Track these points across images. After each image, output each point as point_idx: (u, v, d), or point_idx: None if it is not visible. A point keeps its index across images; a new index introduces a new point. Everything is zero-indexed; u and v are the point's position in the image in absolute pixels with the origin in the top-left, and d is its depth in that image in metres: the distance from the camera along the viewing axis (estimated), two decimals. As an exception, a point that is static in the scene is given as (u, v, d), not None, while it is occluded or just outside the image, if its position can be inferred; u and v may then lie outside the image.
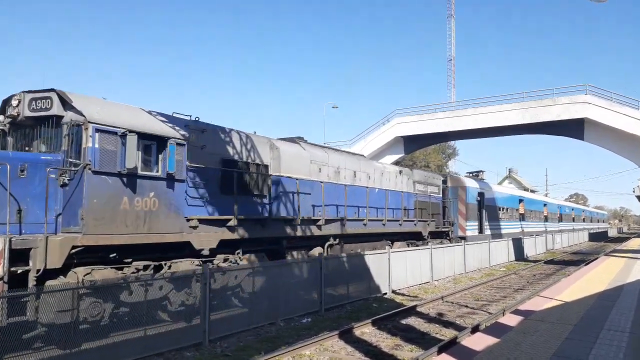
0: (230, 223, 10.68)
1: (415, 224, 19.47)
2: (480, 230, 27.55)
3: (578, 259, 29.44)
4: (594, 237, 60.31)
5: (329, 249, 14.41)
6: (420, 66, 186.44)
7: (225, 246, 10.78)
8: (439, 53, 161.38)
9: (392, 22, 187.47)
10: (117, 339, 7.73)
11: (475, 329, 9.59)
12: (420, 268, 16.96)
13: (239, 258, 11.14)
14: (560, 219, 52.50)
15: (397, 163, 32.37)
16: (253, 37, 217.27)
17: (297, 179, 12.93)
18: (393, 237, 18.39)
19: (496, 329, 8.06)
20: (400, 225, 18.29)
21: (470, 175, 33.57)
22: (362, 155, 18.07)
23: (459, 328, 10.31)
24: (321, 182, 13.91)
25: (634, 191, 55.59)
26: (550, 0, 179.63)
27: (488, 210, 29.24)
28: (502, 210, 32.62)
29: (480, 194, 27.86)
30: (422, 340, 9.27)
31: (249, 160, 11.76)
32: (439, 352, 7.67)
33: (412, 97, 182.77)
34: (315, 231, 13.66)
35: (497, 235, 28.38)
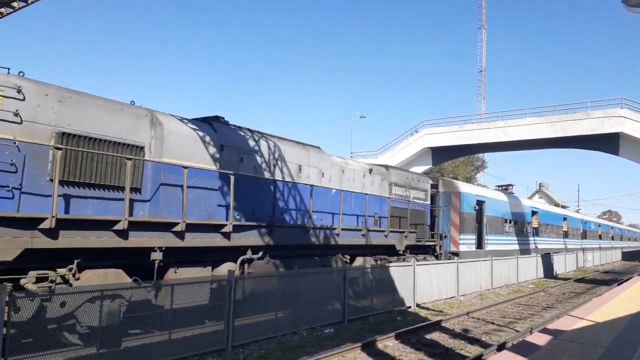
0: (46, 224, 7.19)
1: (386, 235, 15.59)
2: (479, 246, 23.20)
3: (610, 279, 28.53)
4: (628, 256, 58.42)
5: (245, 265, 10.83)
6: (450, 77, 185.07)
7: (52, 259, 7.54)
8: (470, 64, 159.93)
9: (422, 33, 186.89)
10: (143, 342, 7.84)
11: (501, 347, 9.39)
12: (446, 282, 16.71)
13: (72, 276, 7.64)
14: (584, 236, 47.29)
15: (425, 174, 31.74)
16: (278, 45, 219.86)
17: (186, 168, 9.20)
18: (354, 251, 14.80)
19: (523, 348, 7.87)
20: (364, 236, 14.56)
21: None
22: (317, 147, 14.08)
23: (485, 345, 10.11)
24: (231, 174, 10.21)
25: (671, 209, 54.28)
26: (585, 12, 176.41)
27: (491, 222, 24.73)
28: (510, 222, 27.58)
29: (480, 202, 23.50)
30: (447, 356, 9.12)
31: (108, 138, 8.33)
32: (464, 369, 7.53)
33: (442, 108, 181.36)
34: (219, 241, 10.01)
35: (501, 252, 24.06)
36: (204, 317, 9.20)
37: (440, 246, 19.49)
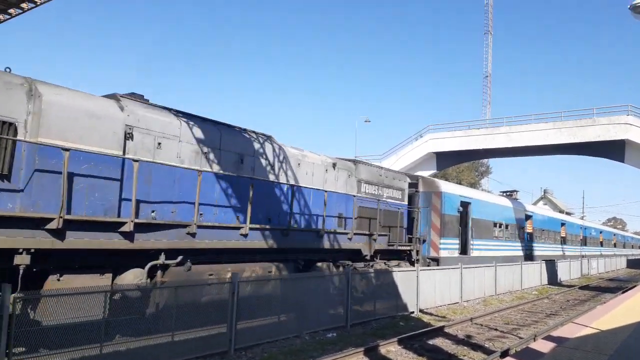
0: None
1: (349, 238, 13.70)
2: (464, 251, 21.05)
3: (615, 286, 28.39)
4: (633, 263, 58.11)
5: (159, 273, 9.10)
6: (456, 82, 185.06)
7: None
8: (475, 70, 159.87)
9: (428, 38, 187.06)
10: (144, 343, 7.85)
11: (504, 354, 9.35)
12: (450, 288, 16.66)
13: None
14: (584, 243, 44.35)
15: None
16: (284, 50, 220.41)
17: (67, 150, 7.31)
18: (309, 255, 12.87)
19: (527, 355, 7.83)
20: (321, 237, 12.70)
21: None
22: (268, 136, 12.07)
23: (488, 352, 10.07)
24: (135, 160, 8.32)
25: (677, 217, 53.90)
26: (590, 17, 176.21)
27: (478, 225, 22.35)
28: (500, 227, 25.05)
29: (465, 204, 21.30)
30: (449, 362, 9.09)
31: None
32: (467, 375, 7.50)
33: (447, 113, 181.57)
34: (117, 242, 8.14)
35: (489, 259, 21.64)
36: (207, 320, 9.20)
37: (417, 251, 17.33)
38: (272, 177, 11.66)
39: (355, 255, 14.37)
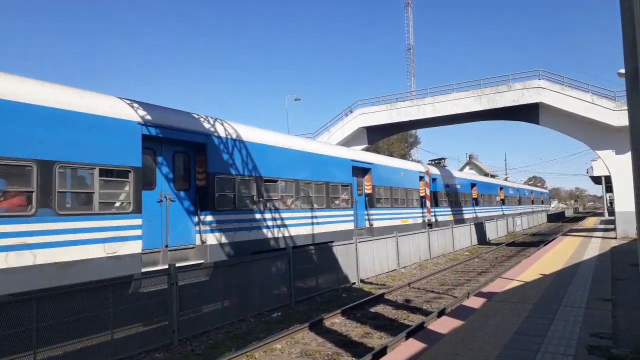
0: None
1: None
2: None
3: (538, 240, 30.56)
4: (552, 217, 62.93)
5: None
6: (381, 57, 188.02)
7: None
8: (399, 43, 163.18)
9: (352, 13, 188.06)
10: (83, 345, 7.55)
11: (441, 313, 9.88)
12: (387, 256, 17.25)
13: None
14: (455, 202, 31.52)
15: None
16: (216, 31, 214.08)
17: None
18: None
19: (461, 312, 8.33)
20: None
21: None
22: None
23: (426, 313, 10.58)
24: None
25: (587, 172, 58.02)
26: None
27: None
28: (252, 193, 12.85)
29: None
30: (391, 327, 9.47)
31: None
32: (407, 337, 7.87)
33: (376, 87, 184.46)
34: None
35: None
36: (149, 313, 8.98)
37: None
38: None
39: None
